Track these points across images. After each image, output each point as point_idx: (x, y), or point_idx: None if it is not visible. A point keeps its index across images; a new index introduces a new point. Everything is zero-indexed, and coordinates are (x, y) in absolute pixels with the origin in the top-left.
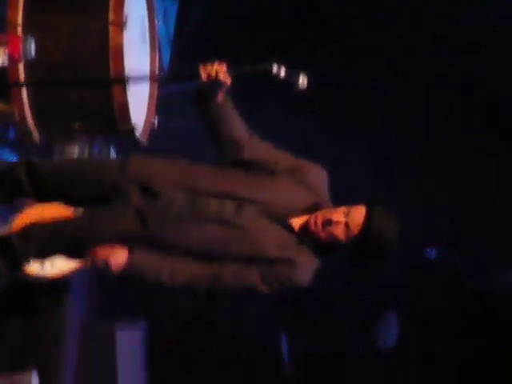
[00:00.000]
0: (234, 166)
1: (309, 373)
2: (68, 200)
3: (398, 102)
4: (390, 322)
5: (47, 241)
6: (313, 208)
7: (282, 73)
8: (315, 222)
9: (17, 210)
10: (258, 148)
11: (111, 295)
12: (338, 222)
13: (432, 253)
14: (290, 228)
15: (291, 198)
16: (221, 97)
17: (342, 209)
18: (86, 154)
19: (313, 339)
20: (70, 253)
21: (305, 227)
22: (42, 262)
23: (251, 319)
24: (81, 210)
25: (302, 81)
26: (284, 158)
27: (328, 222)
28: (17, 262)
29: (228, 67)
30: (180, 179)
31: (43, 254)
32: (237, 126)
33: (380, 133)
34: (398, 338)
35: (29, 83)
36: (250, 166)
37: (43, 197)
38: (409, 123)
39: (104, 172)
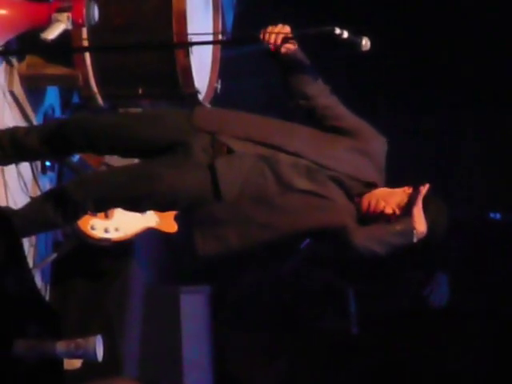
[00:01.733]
0: (302, 121)
1: (375, 332)
2: (123, 153)
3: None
4: (441, 282)
5: (105, 190)
6: (370, 185)
7: (345, 34)
8: (368, 206)
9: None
10: (329, 101)
11: (176, 259)
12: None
13: (496, 216)
14: (354, 201)
15: (356, 167)
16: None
17: (399, 193)
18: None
19: (378, 299)
20: (128, 205)
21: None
22: (106, 225)
23: (316, 278)
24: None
25: (366, 42)
26: (352, 118)
27: (380, 214)
28: (74, 214)
29: (291, 30)
30: (250, 133)
31: (100, 205)
32: (313, 82)
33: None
34: (447, 299)
35: (92, 48)
36: (316, 119)
37: (99, 151)
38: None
39: (165, 122)
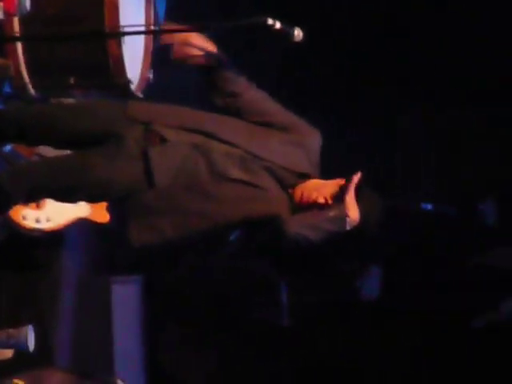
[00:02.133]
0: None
1: (307, 323)
2: (56, 144)
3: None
4: (374, 275)
5: (36, 181)
6: (304, 176)
7: (278, 25)
8: (301, 196)
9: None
10: (256, 97)
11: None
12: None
13: (428, 207)
14: (287, 192)
15: (289, 159)
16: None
17: (331, 185)
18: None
19: (311, 290)
20: (60, 195)
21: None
22: (37, 215)
23: (248, 270)
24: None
25: (298, 33)
26: (283, 113)
27: (312, 204)
28: (5, 204)
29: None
30: (183, 122)
31: (32, 195)
32: (236, 80)
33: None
34: (378, 292)
35: (24, 37)
36: (245, 115)
37: (31, 142)
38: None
39: (98, 113)
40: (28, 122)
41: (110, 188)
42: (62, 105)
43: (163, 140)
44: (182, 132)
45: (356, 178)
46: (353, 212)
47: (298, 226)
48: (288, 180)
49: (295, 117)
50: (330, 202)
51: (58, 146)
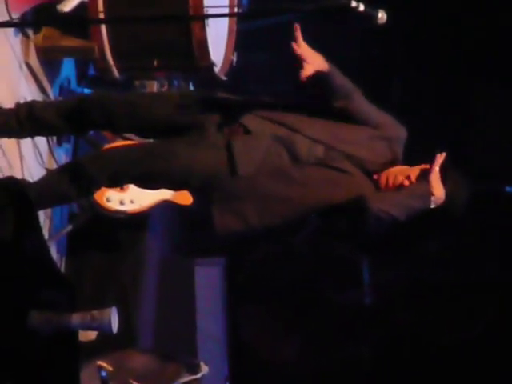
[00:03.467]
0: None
1: (389, 302)
2: (140, 132)
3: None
4: None
5: (120, 166)
6: (390, 163)
7: (361, 7)
8: (387, 181)
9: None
10: (360, 99)
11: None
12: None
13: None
14: (372, 178)
15: (374, 152)
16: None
17: (416, 169)
18: (165, 89)
19: (394, 268)
20: (142, 181)
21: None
22: (121, 197)
23: (330, 250)
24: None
25: (382, 15)
26: (376, 112)
27: (398, 188)
28: (88, 187)
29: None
30: (271, 114)
31: (115, 180)
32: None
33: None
34: None
35: (108, 20)
36: (340, 116)
37: (116, 129)
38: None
39: (181, 102)
40: (114, 109)
41: (192, 176)
42: (147, 94)
43: (247, 131)
44: (266, 123)
45: (440, 157)
46: (437, 190)
47: (381, 202)
48: (372, 167)
49: (386, 114)
50: (414, 182)
51: (141, 134)
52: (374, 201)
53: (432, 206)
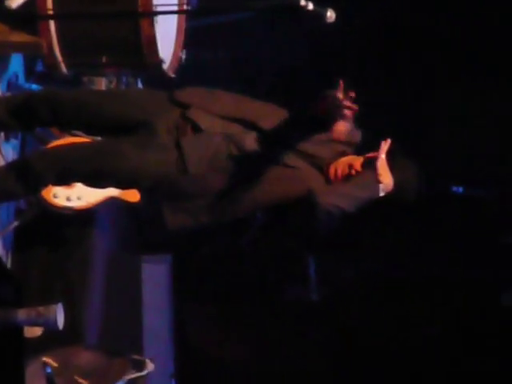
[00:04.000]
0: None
1: (337, 298)
2: (87, 129)
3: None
4: None
5: (68, 164)
6: (340, 155)
7: (310, 6)
8: (335, 172)
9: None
10: None
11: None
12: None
13: (459, 190)
14: (322, 172)
15: (328, 152)
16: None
17: (361, 159)
18: (113, 86)
19: (341, 263)
20: (89, 180)
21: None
22: (68, 194)
23: (278, 246)
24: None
25: (331, 14)
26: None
27: (346, 178)
28: (35, 185)
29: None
30: (224, 110)
31: (62, 178)
32: None
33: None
34: None
35: (57, 15)
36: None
37: (63, 126)
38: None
39: (130, 100)
40: (61, 106)
41: (140, 177)
42: (96, 91)
43: (197, 129)
44: (217, 120)
45: (385, 144)
46: (385, 177)
47: (329, 196)
48: (321, 162)
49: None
50: (360, 171)
51: (89, 131)
52: (322, 195)
53: (381, 194)
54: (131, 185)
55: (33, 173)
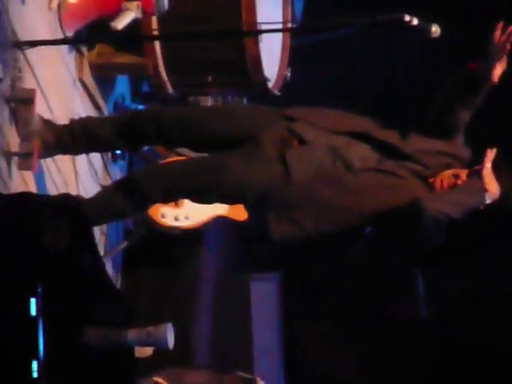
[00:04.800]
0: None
1: (447, 316)
2: (193, 146)
3: None
4: None
5: (174, 180)
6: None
7: (415, 21)
8: (441, 183)
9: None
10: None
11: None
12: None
13: None
14: (428, 183)
15: (434, 162)
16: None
17: (467, 171)
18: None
19: (454, 277)
20: (195, 195)
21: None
22: (176, 214)
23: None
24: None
25: (435, 29)
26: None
27: (453, 187)
28: (142, 203)
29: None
30: (329, 124)
31: (168, 194)
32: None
33: None
34: None
35: (162, 36)
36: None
37: (170, 144)
38: None
39: (236, 116)
40: (167, 123)
41: (247, 190)
42: (201, 107)
43: (302, 141)
44: (322, 133)
45: (490, 153)
46: (491, 185)
47: (436, 202)
48: (425, 172)
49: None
50: (466, 180)
51: (196, 148)
52: (428, 202)
53: (487, 202)
54: (237, 199)
55: (139, 190)
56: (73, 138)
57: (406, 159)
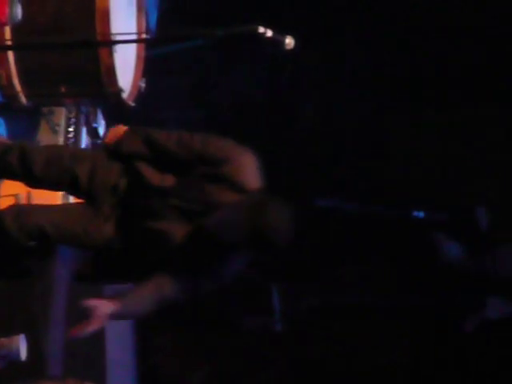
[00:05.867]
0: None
1: (302, 330)
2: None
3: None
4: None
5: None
6: None
7: (269, 33)
8: None
9: None
10: None
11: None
12: None
13: (420, 215)
14: None
15: None
16: None
17: None
18: (73, 116)
19: (307, 292)
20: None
21: None
22: None
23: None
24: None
25: (289, 41)
26: None
27: None
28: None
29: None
30: None
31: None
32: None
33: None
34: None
35: (15, 46)
36: None
37: (32, 183)
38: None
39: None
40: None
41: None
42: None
43: None
44: None
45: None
46: None
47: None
48: None
49: None
50: None
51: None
52: None
53: None
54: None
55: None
56: None
57: None
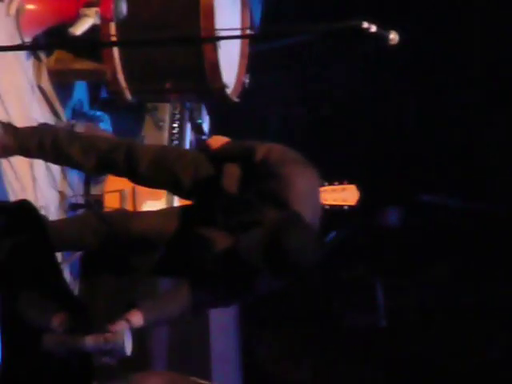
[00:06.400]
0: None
1: (404, 326)
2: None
3: None
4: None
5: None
6: None
7: (373, 28)
8: None
9: None
10: None
11: None
12: None
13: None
14: None
15: None
16: None
17: None
18: (177, 112)
19: (410, 290)
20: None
21: None
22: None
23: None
24: None
25: (394, 36)
26: None
27: None
28: None
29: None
30: None
31: None
32: None
33: None
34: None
35: (120, 42)
36: None
37: (136, 181)
38: None
39: None
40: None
41: None
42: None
43: None
44: None
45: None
46: None
47: None
48: None
49: None
50: None
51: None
52: None
53: None
54: None
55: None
56: (40, 147)
57: None
